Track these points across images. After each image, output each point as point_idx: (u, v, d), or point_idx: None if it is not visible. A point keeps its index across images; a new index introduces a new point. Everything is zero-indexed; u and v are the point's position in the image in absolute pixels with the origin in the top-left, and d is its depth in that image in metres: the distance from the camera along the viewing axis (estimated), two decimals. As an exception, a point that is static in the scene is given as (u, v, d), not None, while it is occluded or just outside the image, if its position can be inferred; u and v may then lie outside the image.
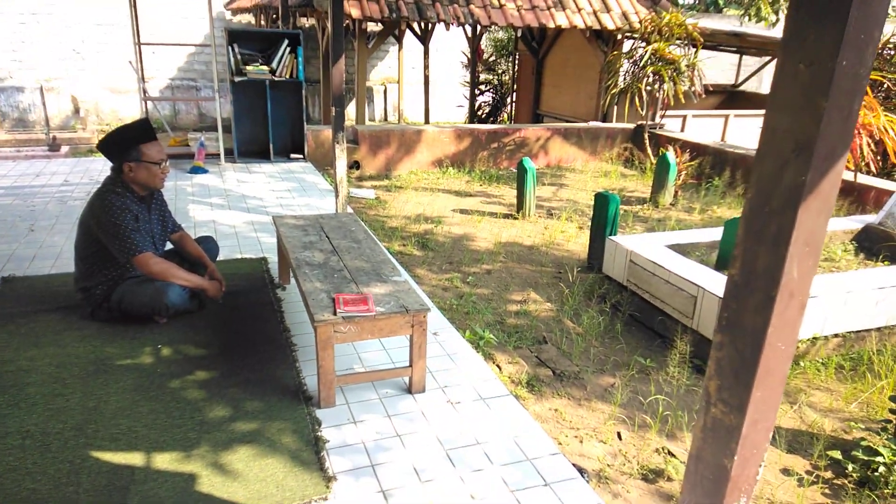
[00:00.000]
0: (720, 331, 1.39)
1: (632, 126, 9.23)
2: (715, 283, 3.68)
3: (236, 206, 5.69)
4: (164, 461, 2.29)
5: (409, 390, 2.83)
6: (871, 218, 5.04)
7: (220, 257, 4.21)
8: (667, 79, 7.03)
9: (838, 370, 3.68)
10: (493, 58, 14.62)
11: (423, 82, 15.04)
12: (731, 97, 12.79)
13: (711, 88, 11.62)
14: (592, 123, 9.40)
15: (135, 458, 2.30)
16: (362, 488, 2.22)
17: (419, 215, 6.51)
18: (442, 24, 8.14)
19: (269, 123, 7.30)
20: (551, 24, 8.36)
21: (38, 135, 11.79)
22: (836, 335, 3.73)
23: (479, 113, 13.59)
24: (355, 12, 7.37)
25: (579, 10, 8.57)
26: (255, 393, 2.76)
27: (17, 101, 12.93)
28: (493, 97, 14.11)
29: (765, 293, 1.26)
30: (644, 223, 6.49)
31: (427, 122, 13.09)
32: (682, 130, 10.24)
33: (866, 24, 0.99)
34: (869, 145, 5.29)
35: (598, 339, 3.99)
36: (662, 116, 8.56)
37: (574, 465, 2.53)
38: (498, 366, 3.52)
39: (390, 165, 8.34)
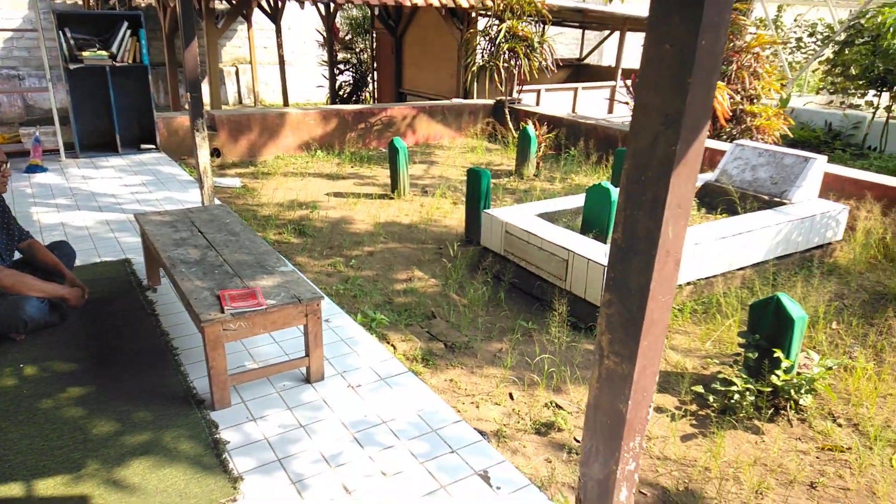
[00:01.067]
0: (608, 290, 1.53)
1: (492, 102, 9.55)
2: (583, 246, 3.97)
3: (86, 206, 5.20)
4: (49, 487, 2.11)
5: (307, 380, 2.80)
6: (709, 176, 5.65)
7: (78, 262, 3.86)
8: (521, 55, 7.34)
9: (693, 314, 4.14)
10: (349, 36, 14.37)
11: (277, 62, 14.48)
12: (577, 70, 13.61)
13: (561, 63, 12.29)
14: (455, 101, 9.60)
15: (13, 489, 2.09)
16: (272, 483, 2.19)
17: (292, 201, 6.34)
18: (295, 1, 7.86)
19: (113, 113, 6.70)
20: (408, 3, 8.38)
21: None
22: (688, 283, 4.18)
23: (341, 93, 13.36)
24: (200, -10, 6.93)
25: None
26: (141, 402, 2.59)
27: None
28: (353, 76, 13.90)
29: (646, 254, 1.40)
30: (512, 195, 6.79)
31: (286, 103, 12.65)
32: (538, 104, 10.76)
33: (720, 7, 1.13)
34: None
35: (483, 309, 4.16)
36: (520, 92, 8.93)
37: (476, 429, 2.65)
38: (392, 345, 3.58)
39: (254, 151, 8.00)
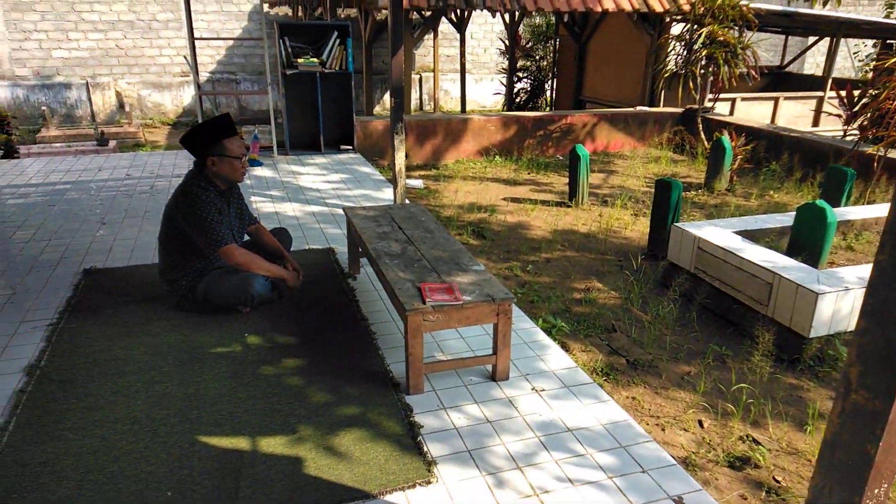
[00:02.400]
0: (865, 317, 1.38)
1: (681, 111, 9.08)
2: (791, 269, 3.63)
3: (295, 199, 5.79)
4: (270, 445, 2.37)
5: (493, 378, 2.86)
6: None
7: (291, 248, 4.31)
8: (722, 62, 6.88)
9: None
10: (530, 44, 14.48)
11: (457, 70, 15.03)
12: (775, 79, 12.48)
13: (766, 70, 11.37)
14: (640, 108, 9.27)
15: (241, 443, 2.38)
16: (465, 472, 2.26)
17: (471, 204, 6.53)
18: (487, 11, 8.09)
19: (319, 115, 7.38)
20: (598, 9, 8.25)
21: (85, 130, 12.07)
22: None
23: (517, 100, 13.51)
24: (403, 2, 7.37)
25: (622, -8, 8.43)
26: (348, 379, 2.82)
27: (65, 97, 13.28)
28: (530, 84, 14.00)
29: (919, 278, 1.25)
30: (701, 209, 6.40)
31: (463, 110, 13.08)
32: (731, 114, 10.03)
33: None
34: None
35: (669, 328, 3.96)
36: (713, 101, 8.39)
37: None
38: (573, 354, 3.54)
39: (437, 155, 8.36)
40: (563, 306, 4.25)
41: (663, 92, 8.38)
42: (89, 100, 13.37)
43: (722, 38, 6.88)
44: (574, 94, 11.93)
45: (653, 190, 7.12)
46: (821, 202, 3.92)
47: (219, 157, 3.29)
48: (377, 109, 15.30)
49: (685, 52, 7.03)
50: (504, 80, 13.49)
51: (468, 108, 15.06)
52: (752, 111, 10.15)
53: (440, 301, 2.59)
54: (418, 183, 7.30)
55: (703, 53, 6.89)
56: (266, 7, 14.69)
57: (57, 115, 13.18)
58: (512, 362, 3.02)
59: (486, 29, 15.83)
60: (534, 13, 12.46)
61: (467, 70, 15.80)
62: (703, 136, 7.91)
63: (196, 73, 7.14)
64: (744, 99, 9.90)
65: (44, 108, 12.62)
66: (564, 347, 3.59)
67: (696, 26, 7.16)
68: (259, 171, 6.73)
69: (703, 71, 7.05)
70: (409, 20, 8.17)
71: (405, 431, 2.47)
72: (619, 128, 9.00)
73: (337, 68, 7.27)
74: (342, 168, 6.97)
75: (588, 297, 4.41)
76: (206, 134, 3.28)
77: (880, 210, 4.86)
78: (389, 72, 4.88)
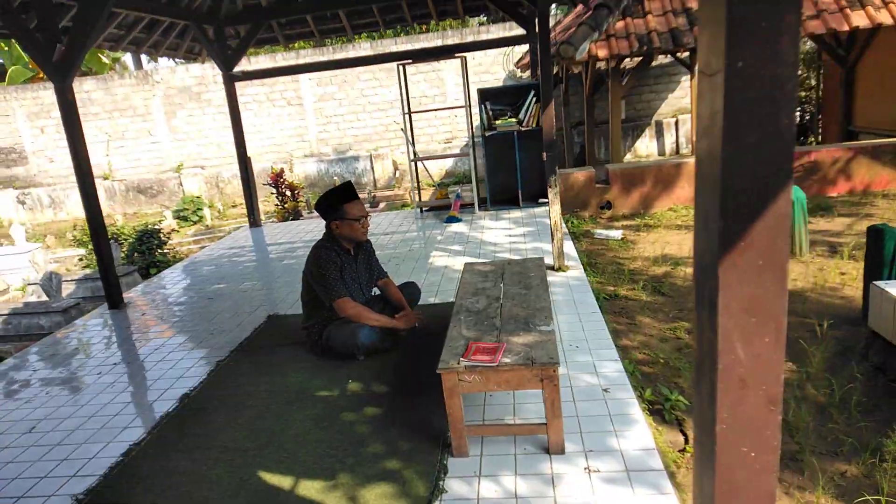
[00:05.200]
0: None
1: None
2: None
3: (471, 253, 6.03)
4: (305, 488, 2.55)
5: (547, 450, 2.63)
6: None
7: (429, 301, 4.53)
8: None
9: None
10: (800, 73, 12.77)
11: None
12: None
13: None
14: (917, 136, 7.49)
15: (284, 482, 2.61)
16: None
17: (665, 256, 6.00)
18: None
19: (517, 171, 7.61)
20: (844, 27, 6.99)
21: (363, 195, 14.20)
22: None
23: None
24: (602, 52, 7.26)
25: (886, 3, 6.99)
26: (409, 434, 2.88)
27: (354, 167, 15.85)
28: (800, 115, 12.26)
29: None
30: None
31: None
32: None
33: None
34: None
35: (840, 411, 3.13)
36: None
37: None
38: (684, 433, 3.03)
39: (646, 203, 7.88)
40: (715, 377, 3.65)
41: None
42: (372, 169, 15.77)
43: None
44: (842, 125, 10.13)
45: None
46: None
47: (340, 220, 3.70)
48: (627, 157, 15.01)
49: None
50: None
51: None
52: None
53: (474, 361, 2.52)
54: (615, 234, 6.97)
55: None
56: (520, 73, 15.66)
57: None
58: (581, 435, 2.73)
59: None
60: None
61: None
62: None
63: (412, 143, 7.99)
64: None
65: (335, 177, 15.26)
66: (680, 424, 3.10)
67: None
68: (455, 227, 7.18)
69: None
70: (617, 68, 7.97)
71: (427, 494, 2.43)
72: (884, 161, 7.38)
73: (534, 125, 7.44)
74: (532, 221, 7.04)
75: (755, 368, 3.71)
76: (329, 201, 3.72)
77: None
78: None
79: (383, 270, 4.04)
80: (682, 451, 2.93)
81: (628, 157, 15.03)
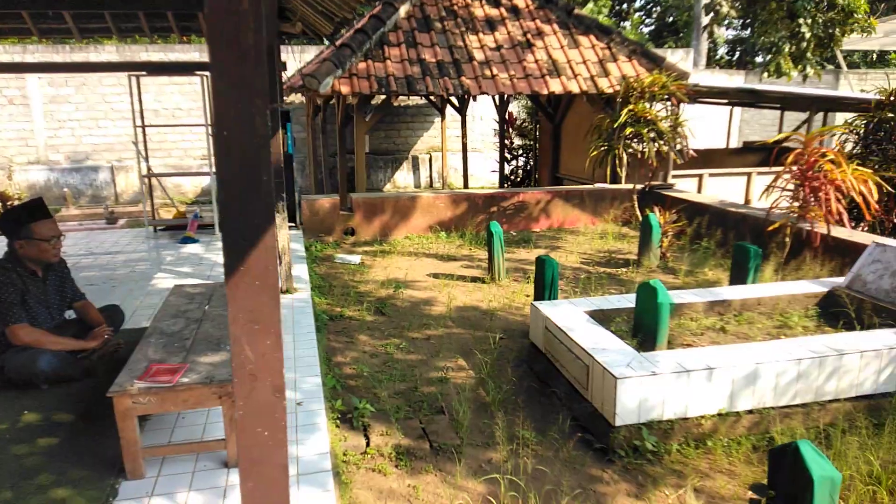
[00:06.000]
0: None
1: (641, 187, 8.97)
2: (610, 352, 3.44)
3: (200, 275, 5.92)
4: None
5: (227, 464, 2.77)
6: (839, 281, 4.59)
7: (141, 325, 4.38)
8: (647, 139, 6.84)
9: (755, 451, 3.30)
10: (525, 123, 14.78)
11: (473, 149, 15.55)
12: (769, 154, 12.23)
13: (755, 144, 11.19)
14: (598, 185, 9.22)
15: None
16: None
17: (393, 280, 6.53)
18: (428, 97, 8.35)
19: (260, 195, 7.65)
20: (544, 91, 8.39)
21: (100, 209, 12.81)
22: (749, 412, 3.36)
23: (513, 177, 13.68)
24: (345, 89, 7.71)
25: (575, 76, 8.57)
26: (86, 461, 2.78)
27: (92, 178, 14.22)
28: (526, 161, 14.18)
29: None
30: (621, 286, 6.20)
31: (466, 185, 13.41)
32: (699, 190, 9.84)
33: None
34: (838, 199, 4.88)
35: (502, 410, 3.78)
36: (649, 178, 8.26)
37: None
38: (367, 437, 3.40)
39: (386, 231, 8.47)
40: (410, 386, 4.13)
41: (596, 170, 8.27)
42: (113, 181, 14.29)
43: (647, 116, 6.85)
44: (551, 172, 12.00)
45: (584, 266, 6.98)
46: (654, 282, 3.75)
47: (27, 239, 3.44)
48: (387, 187, 15.78)
49: (613, 131, 7.02)
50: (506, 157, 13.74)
51: (473, 184, 15.36)
52: (724, 187, 9.94)
53: (150, 383, 2.57)
54: (354, 258, 7.37)
55: (628, 132, 6.86)
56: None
57: (84, 195, 14.10)
58: (265, 446, 2.92)
59: (493, 110, 16.31)
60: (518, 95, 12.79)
61: (475, 149, 16.23)
62: (637, 212, 7.76)
63: (145, 158, 7.57)
64: (711, 175, 9.74)
65: (65, 189, 13.53)
66: (365, 429, 3.46)
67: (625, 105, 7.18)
68: (190, 249, 6.96)
69: (630, 149, 7.00)
70: (361, 105, 8.51)
71: (91, 518, 2.40)
72: (573, 204, 8.94)
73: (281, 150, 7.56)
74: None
75: (444, 377, 4.27)
76: (13, 218, 3.44)
77: (764, 289, 4.60)
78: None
79: (79, 292, 3.83)
80: (364, 453, 3.28)
81: (388, 186, 15.88)
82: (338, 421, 3.50)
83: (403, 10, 8.72)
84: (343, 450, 3.23)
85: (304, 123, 14.31)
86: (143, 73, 7.29)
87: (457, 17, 9.06)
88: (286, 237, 5.23)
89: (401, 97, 15.22)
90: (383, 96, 8.54)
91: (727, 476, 3.12)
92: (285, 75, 13.37)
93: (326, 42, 10.00)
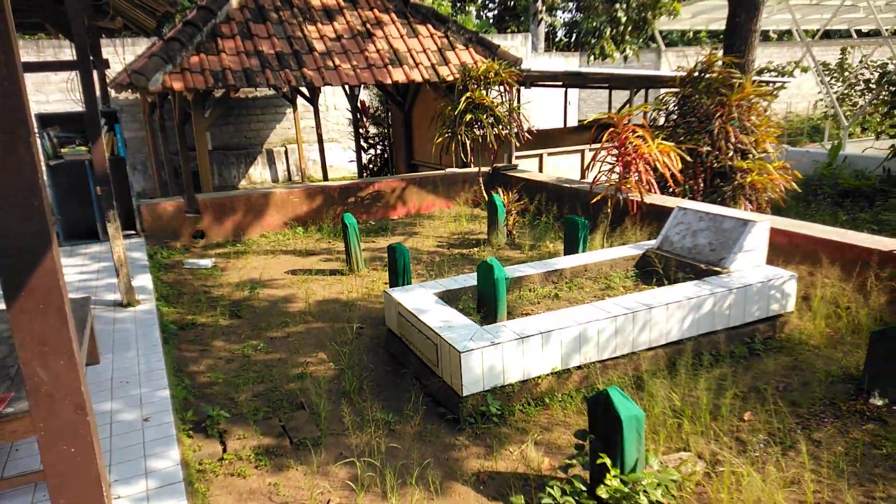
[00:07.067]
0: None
1: (488, 169, 9.43)
2: (456, 328, 3.68)
3: (29, 296, 5.44)
4: None
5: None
6: (651, 243, 5.20)
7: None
8: (486, 124, 7.22)
9: (585, 403, 3.70)
10: (378, 112, 14.87)
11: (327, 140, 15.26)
12: (601, 131, 13.30)
13: (585, 123, 12.03)
14: (449, 170, 9.56)
15: None
16: None
17: (250, 280, 6.39)
18: (271, 88, 8.20)
19: (93, 202, 7.12)
20: (388, 80, 8.53)
21: None
22: (578, 367, 3.76)
23: (371, 166, 13.72)
24: (177, 84, 7.33)
25: (417, 64, 8.79)
26: None
27: None
28: (383, 150, 14.27)
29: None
30: (474, 266, 6.54)
31: (325, 178, 13.20)
32: (541, 169, 10.54)
33: None
34: (647, 171, 5.52)
35: (360, 396, 3.91)
36: (492, 160, 8.75)
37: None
38: (223, 443, 3.39)
39: (239, 231, 8.22)
40: (270, 386, 4.13)
41: (443, 155, 8.63)
42: None
43: (484, 103, 7.23)
44: (406, 159, 12.22)
45: (440, 249, 7.27)
46: (491, 259, 4.05)
47: None
48: (242, 184, 15.14)
49: (454, 118, 7.33)
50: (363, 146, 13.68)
51: (333, 175, 15.17)
52: (561, 164, 10.71)
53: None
54: (206, 262, 7.10)
55: (468, 118, 7.21)
56: (113, 93, 14.35)
57: None
58: (110, 468, 2.84)
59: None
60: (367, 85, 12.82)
61: (332, 139, 16.01)
62: (484, 194, 8.20)
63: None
64: (550, 154, 10.44)
65: None
66: (221, 436, 3.45)
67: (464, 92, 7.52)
68: None
69: (471, 134, 7.36)
70: (202, 101, 8.13)
71: None
72: (427, 190, 9.22)
73: (108, 154, 7.07)
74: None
75: (304, 373, 4.31)
76: None
77: (591, 257, 5.11)
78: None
79: None
80: (221, 459, 3.27)
81: (243, 183, 15.27)
82: (190, 431, 3.45)
83: (235, 1, 8.43)
84: (198, 459, 3.20)
85: (141, 121, 13.39)
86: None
87: (293, 6, 8.91)
88: (122, 247, 4.96)
89: (246, 89, 14.73)
90: (223, 90, 8.23)
91: (563, 427, 3.49)
92: (114, 71, 12.38)
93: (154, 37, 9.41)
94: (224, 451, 3.31)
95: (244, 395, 4.01)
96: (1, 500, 2.65)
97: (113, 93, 13.23)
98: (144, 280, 5.75)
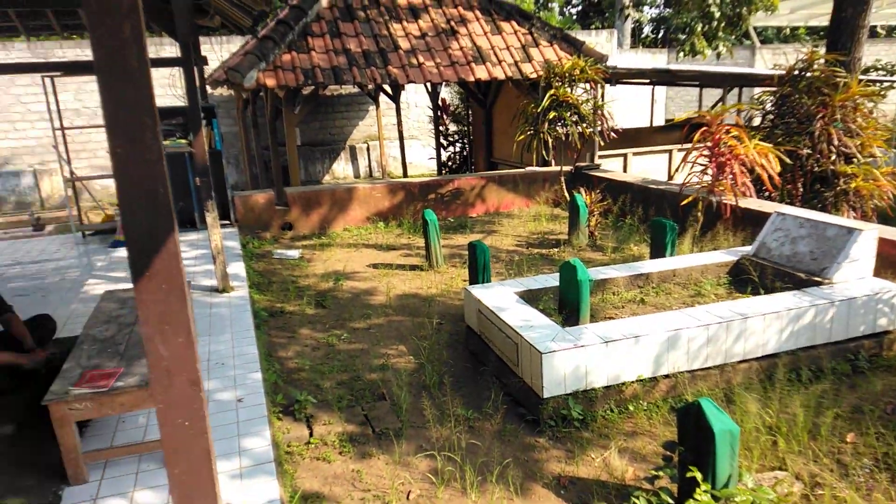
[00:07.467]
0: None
1: (569, 169, 9.28)
2: (538, 328, 3.65)
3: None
4: None
5: (170, 462, 2.82)
6: (746, 249, 4.96)
7: (76, 333, 4.31)
8: (570, 122, 7.10)
9: (672, 413, 3.58)
10: (458, 109, 14.93)
11: (409, 137, 15.54)
12: (692, 130, 12.81)
13: (674, 122, 11.65)
14: (529, 169, 9.48)
15: None
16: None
17: (333, 272, 6.58)
18: (356, 87, 8.39)
19: (192, 193, 7.53)
20: (471, 78, 8.54)
21: (25, 216, 12.18)
22: (665, 376, 3.64)
23: (451, 163, 13.82)
24: (270, 82, 7.63)
25: (500, 62, 8.76)
26: (29, 472, 2.79)
27: (15, 184, 13.49)
28: (462, 147, 14.35)
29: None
30: (553, 266, 6.46)
31: (405, 174, 13.44)
32: (625, 169, 10.26)
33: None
34: (742, 172, 5.26)
35: (439, 392, 3.95)
36: (575, 159, 8.58)
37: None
38: (310, 427, 3.50)
39: (324, 224, 8.48)
40: (353, 376, 4.24)
41: (524, 153, 8.52)
42: (37, 186, 13.60)
43: (568, 100, 7.11)
44: (486, 157, 12.21)
45: (518, 248, 7.22)
46: (574, 260, 3.98)
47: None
48: (326, 179, 15.63)
49: (537, 115, 7.25)
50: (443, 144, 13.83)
51: (413, 172, 15.42)
52: (646, 164, 10.39)
53: (86, 388, 2.60)
54: (294, 253, 7.37)
55: (551, 116, 7.11)
56: (209, 89, 15.14)
57: (7, 202, 13.38)
58: (208, 443, 2.99)
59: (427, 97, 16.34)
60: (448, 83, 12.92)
61: (413, 136, 16.24)
62: (565, 194, 8.07)
63: (67, 161, 7.32)
64: (635, 154, 10.15)
65: (-14, 196, 12.81)
66: (308, 420, 3.57)
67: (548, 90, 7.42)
68: (120, 252, 6.81)
69: (553, 133, 7.25)
70: (289, 97, 8.44)
71: (34, 527, 2.43)
72: (507, 188, 9.18)
73: (206, 147, 7.44)
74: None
75: (386, 364, 4.40)
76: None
77: (680, 261, 4.93)
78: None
79: (6, 305, 3.75)
80: (308, 443, 3.38)
81: (327, 178, 15.73)
82: (280, 414, 3.59)
83: (325, 0, 8.68)
84: (286, 441, 3.33)
85: (235, 117, 14.02)
86: (59, 73, 7.01)
87: (379, 5, 9.08)
88: (219, 236, 5.21)
89: (331, 87, 15.13)
90: (311, 87, 8.49)
91: (648, 437, 3.39)
92: (210, 68, 13.04)
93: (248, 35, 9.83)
94: (311, 435, 3.42)
95: (329, 383, 4.13)
96: (109, 466, 2.84)
97: (209, 89, 13.95)
98: (238, 268, 6.02)
